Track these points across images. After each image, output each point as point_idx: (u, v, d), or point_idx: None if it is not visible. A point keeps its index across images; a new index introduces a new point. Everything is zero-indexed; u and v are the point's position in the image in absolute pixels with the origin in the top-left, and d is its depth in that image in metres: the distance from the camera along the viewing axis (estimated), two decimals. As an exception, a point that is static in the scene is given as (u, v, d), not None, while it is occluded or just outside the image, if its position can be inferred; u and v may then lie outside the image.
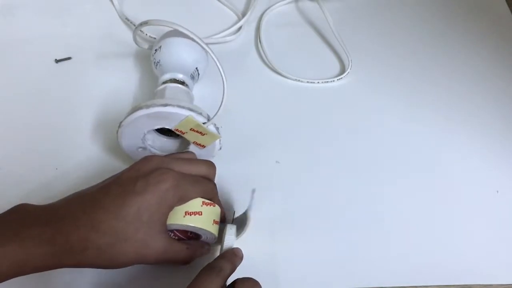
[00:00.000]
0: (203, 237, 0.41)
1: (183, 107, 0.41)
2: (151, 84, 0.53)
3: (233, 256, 0.39)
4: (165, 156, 0.42)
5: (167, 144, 0.46)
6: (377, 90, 0.57)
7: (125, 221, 0.35)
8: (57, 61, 0.54)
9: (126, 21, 0.58)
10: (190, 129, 0.42)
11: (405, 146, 0.53)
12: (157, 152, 0.45)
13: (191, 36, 0.42)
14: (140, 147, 0.45)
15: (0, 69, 0.53)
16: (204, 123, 0.42)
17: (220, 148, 0.46)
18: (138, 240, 0.36)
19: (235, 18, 0.62)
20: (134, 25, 0.58)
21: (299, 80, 0.56)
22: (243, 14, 0.61)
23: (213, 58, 0.42)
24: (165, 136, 0.46)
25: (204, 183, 0.41)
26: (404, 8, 0.66)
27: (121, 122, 0.42)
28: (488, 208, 0.49)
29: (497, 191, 0.50)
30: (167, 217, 0.38)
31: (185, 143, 0.45)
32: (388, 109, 0.55)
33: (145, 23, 0.43)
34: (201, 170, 0.41)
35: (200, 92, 0.51)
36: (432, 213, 0.48)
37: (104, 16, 0.60)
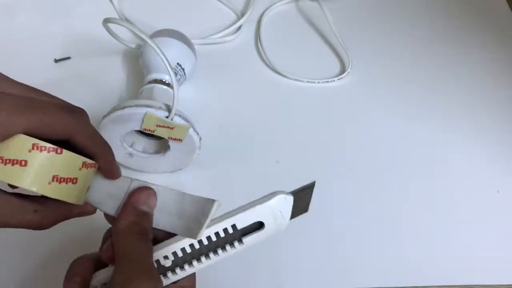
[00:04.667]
0: None
1: (140, 106, 0.40)
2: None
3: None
4: None
5: (149, 145, 0.46)
6: (377, 89, 0.57)
7: None
8: (56, 60, 0.54)
9: (126, 21, 0.58)
10: (157, 126, 0.41)
11: (405, 145, 0.52)
12: (144, 156, 0.45)
13: (132, 29, 0.41)
14: (128, 153, 0.45)
15: (0, 69, 0.53)
16: (166, 117, 0.40)
17: (200, 139, 0.44)
18: None
19: (234, 17, 0.62)
20: (135, 25, 0.58)
21: (299, 80, 0.56)
22: (243, 14, 0.61)
23: (154, 48, 0.40)
24: (146, 137, 0.46)
25: (44, 105, 0.26)
26: (404, 8, 0.66)
27: None
28: (488, 208, 0.49)
29: (498, 191, 0.50)
30: None
31: (166, 141, 0.44)
32: (388, 109, 0.55)
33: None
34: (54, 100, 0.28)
35: (196, 94, 0.51)
36: (432, 213, 0.48)
37: (104, 16, 0.59)
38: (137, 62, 0.52)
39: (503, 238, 0.47)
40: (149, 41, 0.40)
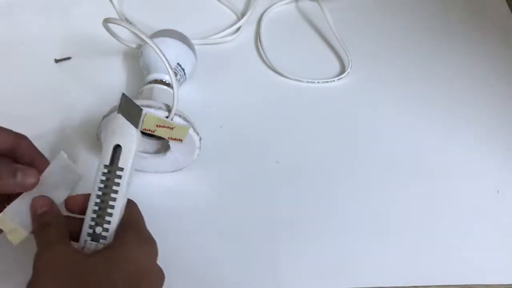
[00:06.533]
0: None
1: (140, 106, 0.40)
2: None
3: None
4: None
5: (149, 145, 0.46)
6: (377, 90, 0.57)
7: None
8: (56, 61, 0.54)
9: (126, 21, 0.58)
10: (157, 126, 0.40)
11: (405, 146, 0.53)
12: (144, 156, 0.45)
13: (132, 29, 0.41)
14: None
15: (0, 68, 0.53)
16: (166, 117, 0.40)
17: (200, 139, 0.44)
18: None
19: (234, 18, 0.62)
20: (134, 25, 0.58)
21: (299, 80, 0.56)
22: (243, 14, 0.61)
23: (154, 49, 0.41)
24: (146, 137, 0.45)
25: None
26: (404, 8, 0.66)
27: (97, 134, 0.43)
28: (488, 208, 0.49)
29: (498, 191, 0.50)
30: None
31: (166, 141, 0.44)
32: (388, 109, 0.55)
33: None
34: None
35: (196, 94, 0.51)
36: (432, 213, 0.48)
37: (104, 16, 0.59)
38: (137, 62, 0.52)
39: (503, 238, 0.47)
40: (149, 41, 0.40)
